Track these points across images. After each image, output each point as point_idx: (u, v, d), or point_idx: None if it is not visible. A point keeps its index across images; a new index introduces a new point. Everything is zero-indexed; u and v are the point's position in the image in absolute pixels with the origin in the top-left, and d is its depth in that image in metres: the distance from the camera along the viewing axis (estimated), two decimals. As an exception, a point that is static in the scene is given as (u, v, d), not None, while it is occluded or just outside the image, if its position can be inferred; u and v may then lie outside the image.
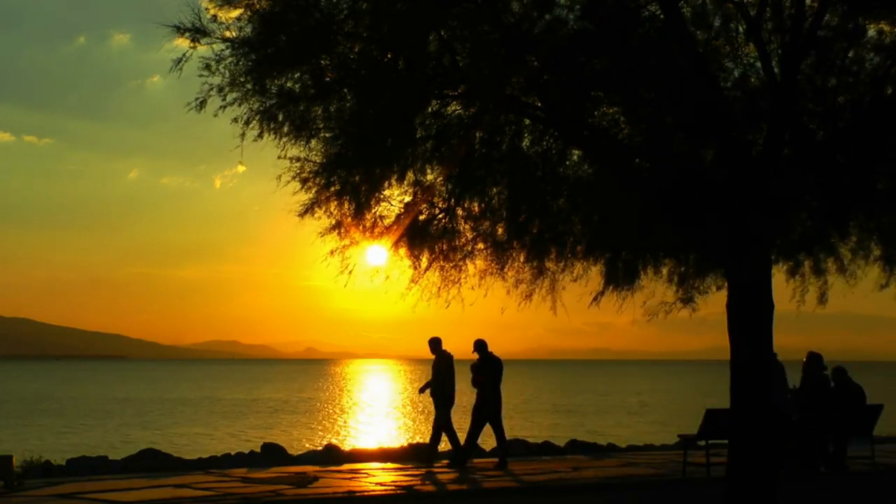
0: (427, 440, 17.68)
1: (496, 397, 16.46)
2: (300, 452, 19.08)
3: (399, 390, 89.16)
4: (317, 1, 10.50)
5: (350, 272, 11.65)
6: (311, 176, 11.11)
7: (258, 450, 18.54)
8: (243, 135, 10.80)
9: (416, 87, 10.66)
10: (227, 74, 10.68)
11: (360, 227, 11.51)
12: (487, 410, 16.40)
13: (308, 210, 11.27)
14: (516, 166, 11.52)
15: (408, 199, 11.63)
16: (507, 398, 18.43)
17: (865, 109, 11.16)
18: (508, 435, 17.88)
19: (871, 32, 11.49)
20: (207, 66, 10.71)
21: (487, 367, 16.46)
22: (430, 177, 11.58)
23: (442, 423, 16.70)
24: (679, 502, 13.37)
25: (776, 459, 14.42)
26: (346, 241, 11.60)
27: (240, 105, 10.77)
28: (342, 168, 10.94)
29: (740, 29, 11.46)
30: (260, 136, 10.85)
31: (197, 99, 10.71)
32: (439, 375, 16.75)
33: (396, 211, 11.67)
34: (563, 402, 62.80)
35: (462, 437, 16.76)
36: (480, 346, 16.57)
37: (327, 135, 10.98)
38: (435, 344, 16.98)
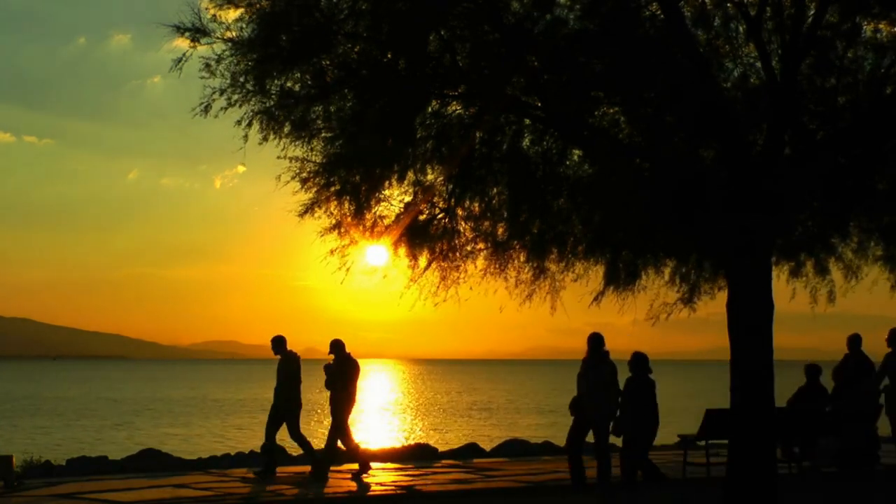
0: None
1: (349, 401, 15.01)
2: (301, 452, 19.06)
3: (399, 390, 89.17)
4: (317, 1, 10.50)
5: (348, 271, 11.66)
6: (311, 176, 11.11)
7: (258, 450, 18.52)
8: (246, 137, 10.82)
9: (416, 87, 10.66)
10: (228, 75, 10.70)
11: (360, 227, 11.51)
12: (345, 413, 14.92)
13: (308, 210, 11.28)
14: (516, 166, 11.52)
15: (408, 199, 11.64)
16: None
17: (865, 109, 11.16)
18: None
19: (871, 32, 11.51)
20: (207, 67, 10.72)
21: (344, 368, 15.04)
22: (430, 177, 11.59)
23: (291, 433, 15.28)
24: (679, 502, 13.36)
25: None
26: (346, 241, 11.60)
27: (240, 106, 10.78)
28: (342, 168, 10.94)
29: (740, 29, 11.46)
30: (265, 139, 10.89)
31: (201, 103, 10.75)
32: (288, 379, 15.24)
33: (396, 211, 11.67)
34: (548, 402, 62.78)
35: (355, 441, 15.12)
36: (336, 346, 15.18)
37: (327, 135, 10.99)
38: (279, 343, 15.59)
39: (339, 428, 14.89)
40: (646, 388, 13.30)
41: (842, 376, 15.72)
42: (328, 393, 15.23)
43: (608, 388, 13.45)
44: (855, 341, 15.67)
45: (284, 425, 15.20)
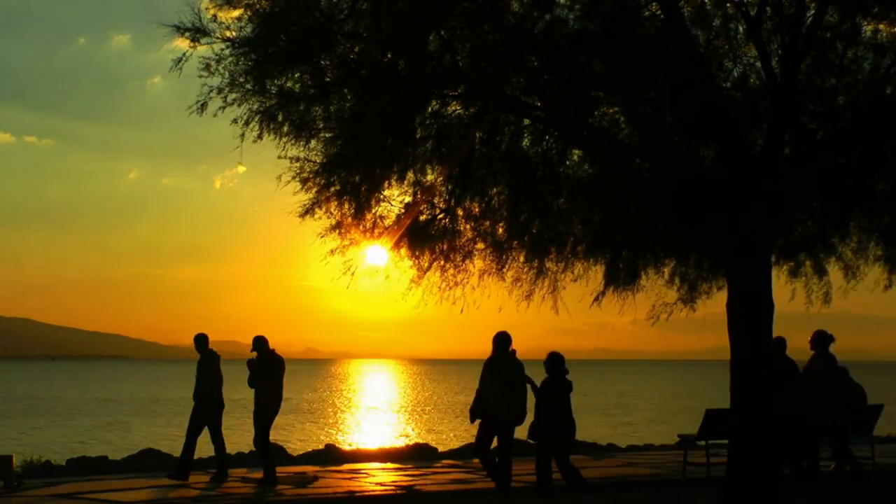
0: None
1: (277, 400, 14.46)
2: (300, 452, 19.07)
3: (399, 391, 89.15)
4: (317, 1, 10.50)
5: (351, 273, 11.66)
6: (311, 176, 11.11)
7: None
8: (243, 135, 10.83)
9: (416, 87, 10.66)
10: (227, 75, 10.70)
11: (361, 228, 11.51)
12: (269, 413, 14.38)
13: (308, 210, 11.28)
14: (516, 166, 11.52)
15: (408, 199, 11.64)
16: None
17: (865, 109, 11.16)
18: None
19: (871, 32, 11.50)
20: (207, 67, 10.72)
21: (268, 366, 14.38)
22: (430, 177, 11.59)
23: (215, 433, 14.70)
24: (679, 502, 13.37)
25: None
26: (347, 242, 11.60)
27: (239, 105, 10.78)
28: (342, 168, 10.94)
29: (740, 29, 11.46)
30: (259, 136, 10.87)
31: (198, 102, 10.74)
32: (207, 377, 14.74)
33: (396, 211, 11.67)
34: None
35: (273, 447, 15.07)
36: (259, 342, 14.50)
37: (327, 135, 10.99)
38: (202, 342, 15.02)
39: (261, 426, 14.30)
40: (562, 389, 12.51)
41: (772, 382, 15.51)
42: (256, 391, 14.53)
43: (515, 388, 12.69)
44: (779, 344, 14.84)
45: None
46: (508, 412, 12.63)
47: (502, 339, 12.83)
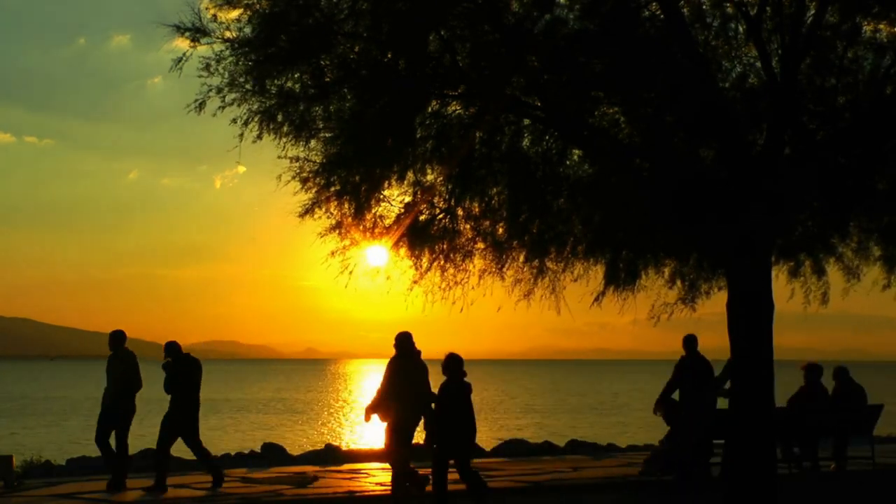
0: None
1: (193, 406, 13.78)
2: (300, 452, 19.07)
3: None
4: (317, 1, 10.50)
5: (351, 273, 11.67)
6: (311, 176, 11.12)
7: (258, 450, 18.54)
8: (241, 135, 10.83)
9: (416, 87, 10.67)
10: (227, 75, 10.71)
11: (361, 228, 11.52)
12: (181, 421, 13.70)
13: (308, 210, 11.29)
14: (516, 166, 11.53)
15: (408, 199, 11.64)
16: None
17: (865, 109, 11.16)
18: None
19: (871, 32, 11.50)
20: (207, 67, 10.72)
21: (181, 370, 13.76)
22: (430, 177, 11.59)
23: (120, 439, 13.84)
24: (679, 502, 13.37)
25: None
26: (347, 242, 11.61)
27: (239, 106, 10.79)
28: (342, 168, 10.95)
29: (740, 29, 11.47)
30: (259, 136, 10.88)
31: (196, 100, 10.74)
32: (124, 378, 13.81)
33: (396, 211, 11.68)
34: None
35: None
36: (171, 347, 13.87)
37: (327, 135, 11.00)
38: (118, 340, 14.03)
39: (168, 431, 13.67)
40: (461, 392, 11.96)
41: (682, 380, 14.56)
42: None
43: (419, 391, 12.16)
44: (691, 342, 14.49)
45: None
46: (413, 415, 12.16)
47: (404, 340, 12.33)
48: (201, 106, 10.78)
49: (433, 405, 12.02)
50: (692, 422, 14.21)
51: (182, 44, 10.73)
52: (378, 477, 14.95)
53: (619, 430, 36.63)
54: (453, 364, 11.97)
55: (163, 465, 13.67)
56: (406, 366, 12.27)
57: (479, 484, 12.18)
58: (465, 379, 12.00)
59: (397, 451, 12.31)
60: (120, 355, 13.94)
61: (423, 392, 12.16)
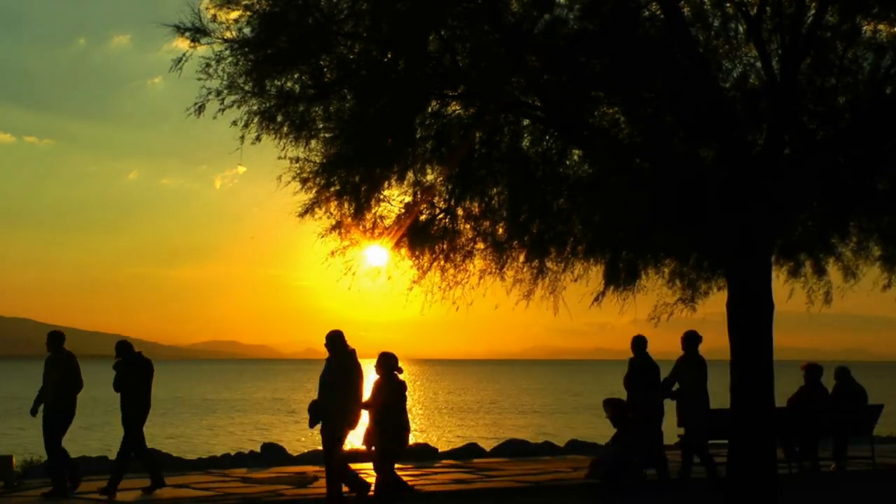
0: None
1: (143, 407, 13.53)
2: (300, 452, 19.07)
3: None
4: (317, 1, 10.49)
5: (352, 273, 11.66)
6: (311, 176, 11.11)
7: (258, 450, 18.54)
8: (242, 137, 10.82)
9: (416, 87, 10.66)
10: (226, 76, 10.68)
11: (361, 228, 11.51)
12: (136, 420, 13.44)
13: (308, 210, 11.28)
14: (516, 166, 11.52)
15: (408, 199, 11.63)
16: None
17: (865, 109, 11.16)
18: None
19: (871, 32, 11.50)
20: (206, 67, 10.71)
21: (133, 369, 13.56)
22: (430, 177, 11.58)
23: (52, 443, 13.33)
24: (679, 502, 13.37)
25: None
26: (347, 242, 11.60)
27: (238, 107, 10.78)
28: (342, 168, 10.94)
29: (740, 29, 11.46)
30: (258, 138, 10.86)
31: (196, 104, 10.73)
32: (65, 380, 13.36)
33: (396, 211, 11.67)
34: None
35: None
36: (122, 346, 13.70)
37: (327, 135, 10.99)
38: (57, 340, 13.67)
39: (130, 436, 13.47)
40: (395, 390, 11.82)
41: (631, 381, 14.35)
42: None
43: (348, 392, 11.96)
44: (640, 344, 14.31)
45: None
46: (338, 417, 11.99)
47: (335, 338, 12.14)
48: (200, 109, 10.77)
49: (373, 407, 11.79)
50: (642, 423, 14.05)
51: (182, 44, 10.72)
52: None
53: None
54: (386, 362, 11.81)
55: (151, 462, 13.57)
56: (337, 366, 12.02)
57: (401, 485, 12.00)
58: (400, 377, 11.85)
59: (337, 454, 12.05)
60: (59, 357, 13.51)
61: (351, 394, 11.89)
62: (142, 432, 13.55)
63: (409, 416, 12.63)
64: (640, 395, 14.20)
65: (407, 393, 12.04)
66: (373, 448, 12.26)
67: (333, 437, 12.05)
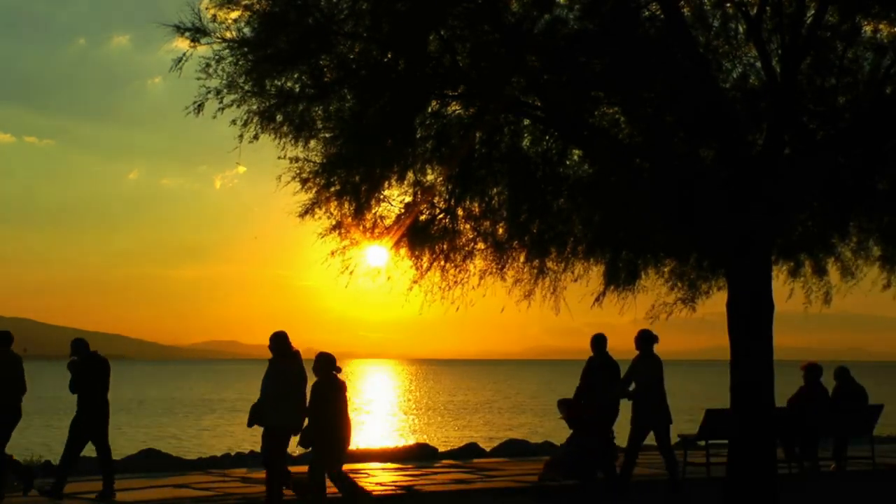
0: None
1: (102, 407, 13.07)
2: (301, 452, 19.05)
3: (399, 391, 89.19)
4: (317, 1, 10.50)
5: (351, 273, 11.67)
6: (311, 176, 11.12)
7: (258, 450, 18.51)
8: (241, 136, 10.83)
9: (416, 87, 10.67)
10: (226, 76, 10.69)
11: (361, 228, 11.52)
12: (88, 423, 13.00)
13: (308, 210, 11.29)
14: (516, 166, 11.53)
15: (408, 199, 11.65)
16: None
17: (865, 109, 11.16)
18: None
19: (871, 32, 11.50)
20: (207, 67, 10.72)
21: (90, 369, 13.11)
22: (430, 177, 11.60)
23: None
24: (679, 502, 13.37)
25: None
26: (347, 242, 11.61)
27: (238, 107, 10.78)
28: (342, 168, 10.95)
29: (740, 29, 11.46)
30: (256, 137, 10.86)
31: (195, 102, 10.73)
32: (6, 383, 12.88)
33: (397, 211, 11.68)
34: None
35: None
36: (77, 345, 13.25)
37: (327, 135, 11.00)
38: (2, 340, 13.13)
39: (74, 435, 13.05)
40: (334, 391, 11.49)
41: (587, 380, 13.94)
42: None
43: (289, 394, 11.64)
44: (600, 342, 13.81)
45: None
46: (283, 419, 11.65)
47: (279, 339, 11.83)
48: (199, 108, 10.77)
49: (314, 408, 11.45)
50: (599, 423, 13.69)
51: (182, 44, 10.73)
52: (378, 477, 14.96)
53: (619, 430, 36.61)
54: (324, 363, 11.47)
55: (63, 470, 12.99)
56: (279, 368, 11.76)
57: (354, 487, 11.71)
58: (339, 377, 11.54)
59: (278, 457, 11.80)
60: (4, 359, 13.06)
61: (293, 396, 11.61)
62: (107, 432, 13.09)
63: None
64: (600, 396, 13.76)
65: (347, 394, 11.65)
66: (309, 448, 11.88)
67: (275, 439, 11.73)
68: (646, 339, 13.75)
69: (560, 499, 13.40)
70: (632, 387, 13.84)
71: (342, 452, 11.60)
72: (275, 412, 11.65)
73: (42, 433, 37.29)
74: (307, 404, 11.56)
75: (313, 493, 11.49)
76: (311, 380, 11.62)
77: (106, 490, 12.77)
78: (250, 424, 12.03)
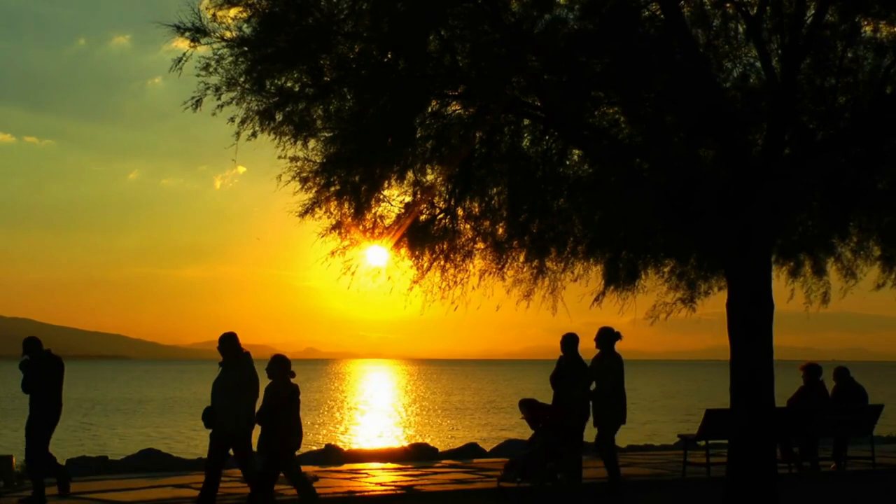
0: None
1: (55, 408, 12.75)
2: (300, 452, 19.05)
3: (398, 391, 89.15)
4: (317, 1, 10.49)
5: (352, 273, 11.66)
6: (311, 176, 11.11)
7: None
8: (238, 134, 10.79)
9: (416, 87, 10.66)
10: (225, 75, 10.67)
11: (361, 228, 11.52)
12: (42, 423, 12.67)
13: (308, 210, 11.28)
14: (516, 166, 11.53)
15: (408, 199, 11.64)
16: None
17: (865, 109, 11.16)
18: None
19: (871, 32, 11.50)
20: (207, 67, 10.70)
21: (41, 370, 12.77)
22: (430, 177, 11.59)
23: None
24: (679, 502, 13.36)
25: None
26: (347, 242, 11.61)
27: (237, 105, 10.76)
28: (342, 168, 10.94)
29: (740, 29, 11.46)
30: (254, 135, 10.83)
31: (193, 97, 10.68)
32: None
33: (396, 211, 11.67)
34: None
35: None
36: (30, 344, 12.97)
37: (327, 134, 10.99)
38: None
39: (34, 437, 12.73)
40: (288, 394, 11.34)
41: (558, 380, 13.68)
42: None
43: (241, 393, 11.47)
44: (570, 342, 13.55)
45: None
46: (229, 422, 11.51)
47: (229, 340, 11.68)
48: (198, 103, 10.72)
49: (266, 410, 11.38)
50: (567, 424, 13.41)
51: (182, 44, 10.72)
52: (378, 477, 14.96)
53: (622, 429, 36.59)
54: (278, 366, 11.38)
55: (40, 474, 12.58)
56: (227, 368, 11.62)
57: (310, 488, 11.60)
58: (293, 381, 11.48)
59: (215, 456, 11.70)
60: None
61: (245, 399, 11.51)
62: (48, 437, 12.75)
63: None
64: (566, 395, 13.53)
65: (300, 398, 11.56)
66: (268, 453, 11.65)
67: (224, 443, 11.59)
68: (608, 337, 13.47)
69: (518, 500, 13.20)
70: (592, 387, 13.59)
71: (293, 455, 11.57)
72: (227, 416, 11.48)
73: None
74: (261, 407, 11.44)
75: (262, 494, 11.47)
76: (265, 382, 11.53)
77: (37, 495, 12.44)
78: (208, 426, 11.85)
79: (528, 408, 13.69)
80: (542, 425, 13.37)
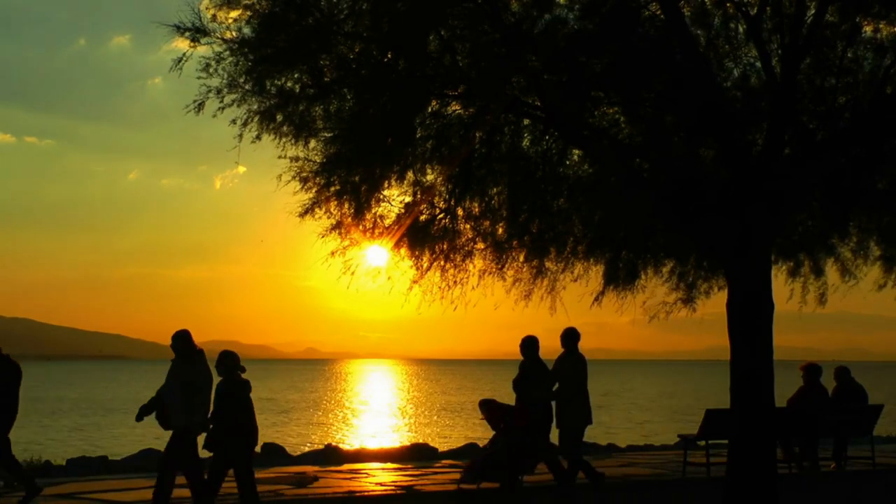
0: None
1: (10, 413, 12.42)
2: (300, 452, 19.07)
3: (398, 391, 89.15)
4: (317, 1, 10.50)
5: (352, 273, 11.67)
6: (311, 176, 11.12)
7: (258, 450, 18.53)
8: (240, 136, 10.82)
9: (416, 87, 10.67)
10: (226, 76, 10.69)
11: (361, 228, 11.52)
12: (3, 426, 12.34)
13: (308, 210, 11.28)
14: (516, 166, 11.54)
15: (408, 199, 11.65)
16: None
17: (865, 109, 11.16)
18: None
19: (871, 32, 11.51)
20: (207, 67, 10.71)
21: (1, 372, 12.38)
22: (430, 177, 11.60)
23: None
24: (679, 502, 13.36)
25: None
26: (347, 242, 11.61)
27: (238, 106, 10.78)
28: (342, 168, 10.95)
29: (740, 29, 11.47)
30: (258, 137, 10.86)
31: (195, 101, 10.72)
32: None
33: (396, 211, 11.68)
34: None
35: None
36: None
37: (327, 134, 10.99)
38: None
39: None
40: (239, 391, 11.15)
41: (521, 383, 13.48)
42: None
43: (195, 393, 11.23)
44: (531, 345, 13.41)
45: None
46: (186, 420, 11.28)
47: (182, 338, 11.44)
48: (200, 107, 10.76)
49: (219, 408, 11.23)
50: (530, 426, 13.18)
51: (182, 44, 10.73)
52: (378, 477, 14.96)
53: (619, 429, 36.66)
54: (229, 361, 11.22)
55: (18, 473, 12.56)
56: (179, 366, 11.41)
57: (251, 494, 11.49)
58: (244, 376, 11.32)
59: (189, 461, 11.47)
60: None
61: (199, 397, 11.30)
62: (8, 439, 12.44)
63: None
64: (527, 397, 13.36)
65: (251, 394, 11.41)
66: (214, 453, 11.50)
67: (182, 442, 11.40)
68: (571, 337, 13.44)
69: (479, 502, 13.07)
70: (555, 387, 13.48)
71: (248, 453, 11.45)
72: (181, 413, 11.30)
73: (43, 433, 37.33)
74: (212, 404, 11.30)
75: (206, 493, 11.37)
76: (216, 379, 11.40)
77: (29, 488, 12.37)
78: (139, 418, 11.69)
79: (488, 408, 13.52)
80: (503, 426, 13.21)
